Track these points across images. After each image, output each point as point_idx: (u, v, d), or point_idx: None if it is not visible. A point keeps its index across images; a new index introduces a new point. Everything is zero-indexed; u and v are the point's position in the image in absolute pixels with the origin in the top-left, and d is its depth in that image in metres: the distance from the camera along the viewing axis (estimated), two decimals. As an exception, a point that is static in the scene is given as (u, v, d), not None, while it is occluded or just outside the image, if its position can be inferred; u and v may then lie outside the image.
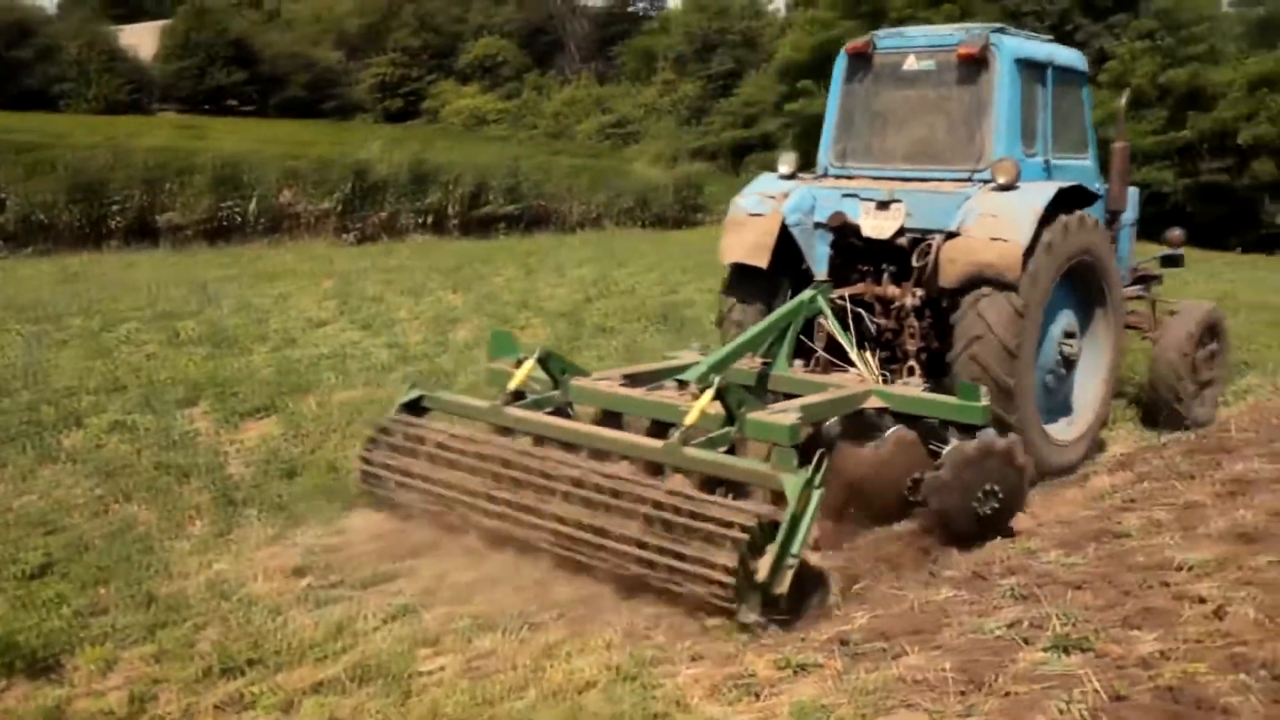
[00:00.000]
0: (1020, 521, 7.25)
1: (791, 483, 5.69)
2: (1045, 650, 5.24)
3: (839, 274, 8.73)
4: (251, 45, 60.39)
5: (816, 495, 5.72)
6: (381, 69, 63.71)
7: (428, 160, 26.57)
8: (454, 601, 5.95)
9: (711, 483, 6.15)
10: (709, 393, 6.38)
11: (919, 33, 8.98)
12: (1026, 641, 5.35)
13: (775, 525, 5.58)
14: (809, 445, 6.35)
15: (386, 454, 7.16)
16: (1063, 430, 8.60)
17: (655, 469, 6.43)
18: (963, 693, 4.87)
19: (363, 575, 6.29)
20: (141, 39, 60.35)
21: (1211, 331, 10.19)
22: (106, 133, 28.36)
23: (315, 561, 6.47)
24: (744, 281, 8.75)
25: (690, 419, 6.33)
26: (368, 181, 24.37)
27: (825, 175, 9.00)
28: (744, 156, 44.05)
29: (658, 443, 6.49)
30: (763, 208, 8.66)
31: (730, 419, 6.46)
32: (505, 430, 7.17)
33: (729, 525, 5.56)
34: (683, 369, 7.35)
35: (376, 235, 24.17)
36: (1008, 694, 4.80)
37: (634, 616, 5.72)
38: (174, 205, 21.75)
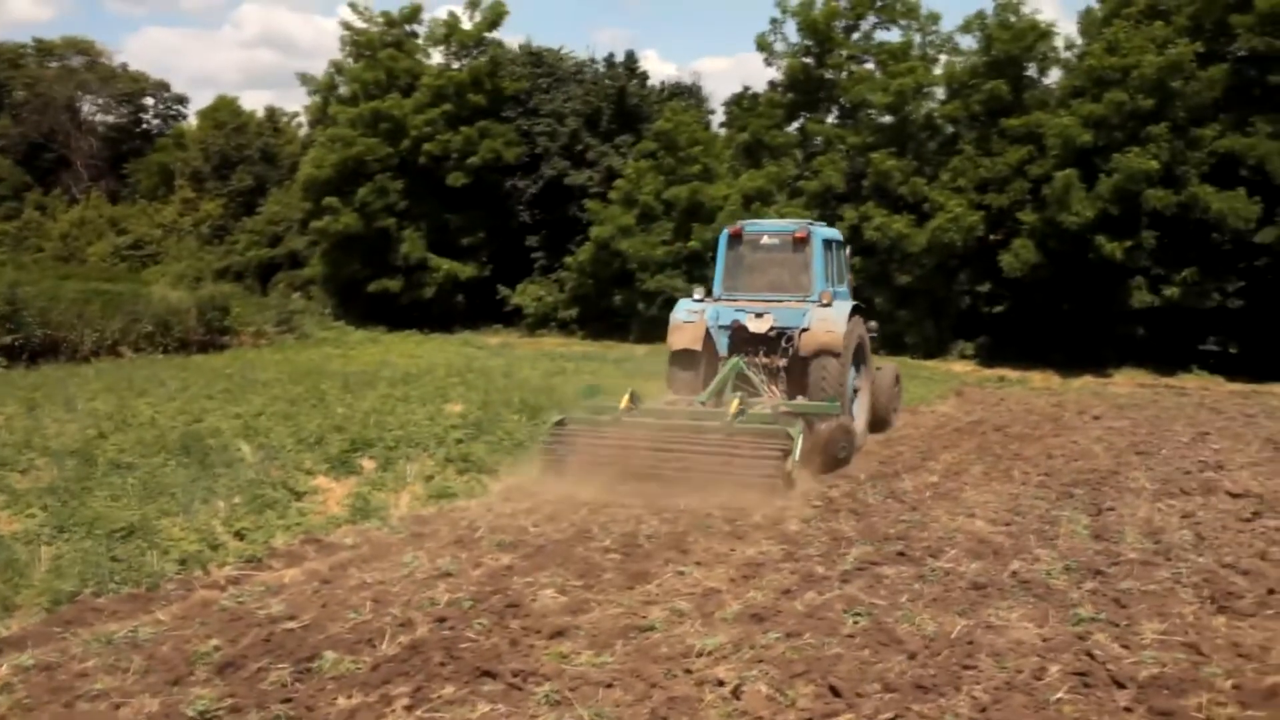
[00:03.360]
0: (556, 623, 7.41)
1: (794, 431, 12.25)
2: (578, 754, 5.39)
3: (733, 353, 15.34)
4: None
5: (801, 437, 12.35)
6: None
7: (-100, 290, 23.82)
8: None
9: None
10: (734, 402, 12.81)
11: (769, 223, 17.16)
12: (560, 748, 5.48)
13: (788, 450, 11.92)
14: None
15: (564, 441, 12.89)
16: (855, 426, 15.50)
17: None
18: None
19: None
20: None
21: (897, 379, 18.41)
22: None
23: None
24: (684, 358, 15.40)
25: (731, 411, 12.60)
26: None
27: (720, 299, 15.92)
28: (272, 275, 42.94)
29: (717, 422, 12.59)
30: (692, 317, 15.48)
31: (741, 412, 12.70)
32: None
33: (776, 450, 11.90)
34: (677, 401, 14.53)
35: None
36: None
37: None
38: None
